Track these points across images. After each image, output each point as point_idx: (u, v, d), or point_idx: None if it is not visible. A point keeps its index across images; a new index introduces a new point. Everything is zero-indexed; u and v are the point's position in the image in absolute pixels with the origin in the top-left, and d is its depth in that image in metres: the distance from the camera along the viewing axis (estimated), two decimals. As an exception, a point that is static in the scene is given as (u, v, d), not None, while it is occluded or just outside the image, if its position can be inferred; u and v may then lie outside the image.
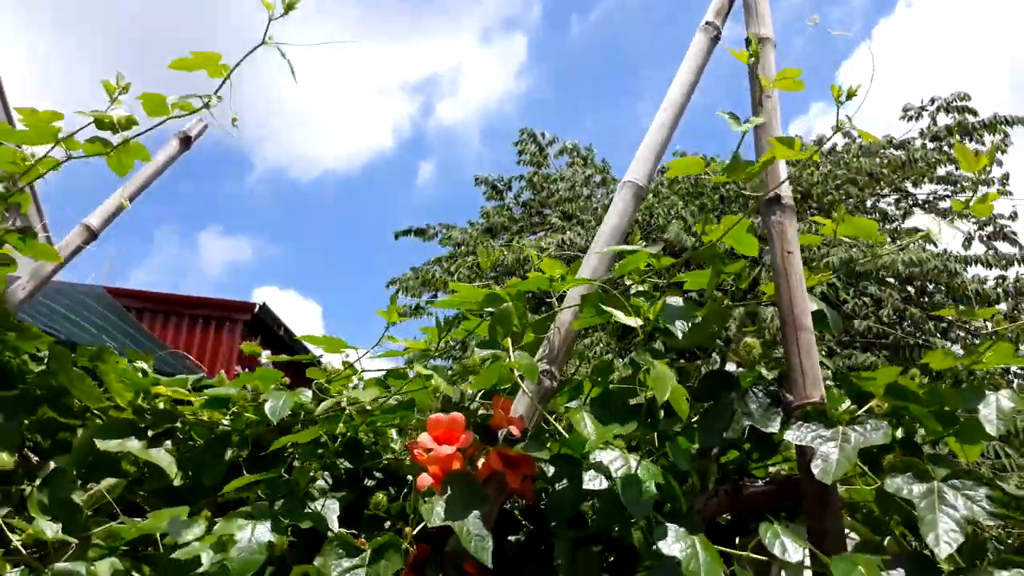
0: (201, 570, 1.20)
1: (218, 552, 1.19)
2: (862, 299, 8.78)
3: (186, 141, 2.23)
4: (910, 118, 10.09)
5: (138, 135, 1.41)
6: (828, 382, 1.38)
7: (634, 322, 1.15)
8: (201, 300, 10.23)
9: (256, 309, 10.26)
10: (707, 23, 1.55)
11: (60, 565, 1.25)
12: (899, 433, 1.37)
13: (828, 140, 1.97)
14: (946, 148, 9.84)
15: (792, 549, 0.99)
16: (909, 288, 9.41)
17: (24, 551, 1.28)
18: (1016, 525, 1.25)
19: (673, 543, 0.98)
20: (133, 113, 1.54)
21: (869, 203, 10.66)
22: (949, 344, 7.90)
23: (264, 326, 10.69)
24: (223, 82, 1.33)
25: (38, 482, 1.37)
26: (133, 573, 1.35)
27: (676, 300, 1.28)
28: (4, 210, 1.45)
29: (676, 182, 10.34)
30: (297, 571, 1.08)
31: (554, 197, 11.57)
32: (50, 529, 1.26)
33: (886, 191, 10.66)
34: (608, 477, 1.04)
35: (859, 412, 1.27)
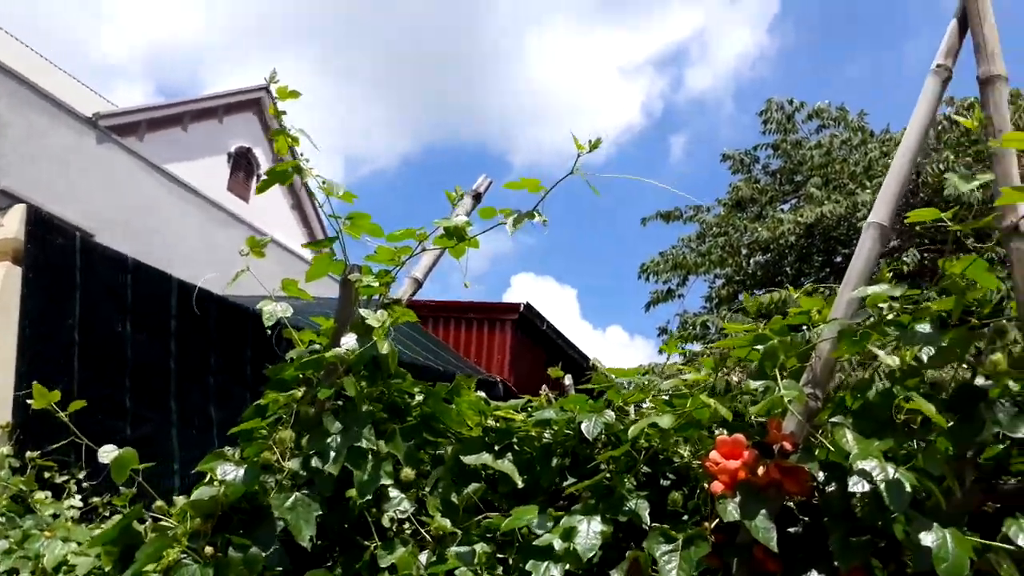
0: (554, 554, 1.63)
1: (565, 540, 1.62)
2: None
3: (477, 197, 2.75)
4: None
5: (477, 235, 1.88)
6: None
7: (893, 361, 1.40)
8: (474, 304, 11.34)
9: (521, 308, 11.17)
10: (938, 66, 1.71)
11: (455, 548, 1.75)
12: None
13: None
14: None
15: (1034, 541, 1.20)
16: None
17: (430, 539, 1.80)
18: None
19: (928, 535, 1.24)
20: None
21: None
22: None
23: (529, 323, 11.57)
24: (541, 199, 1.75)
25: (428, 488, 1.90)
26: (498, 555, 1.82)
27: (923, 327, 1.49)
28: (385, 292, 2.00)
29: (946, 131, 9.58)
30: (631, 553, 1.47)
31: (806, 164, 11.19)
32: (446, 523, 1.77)
33: None
34: (870, 482, 1.31)
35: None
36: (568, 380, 2.33)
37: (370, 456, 1.74)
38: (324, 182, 1.70)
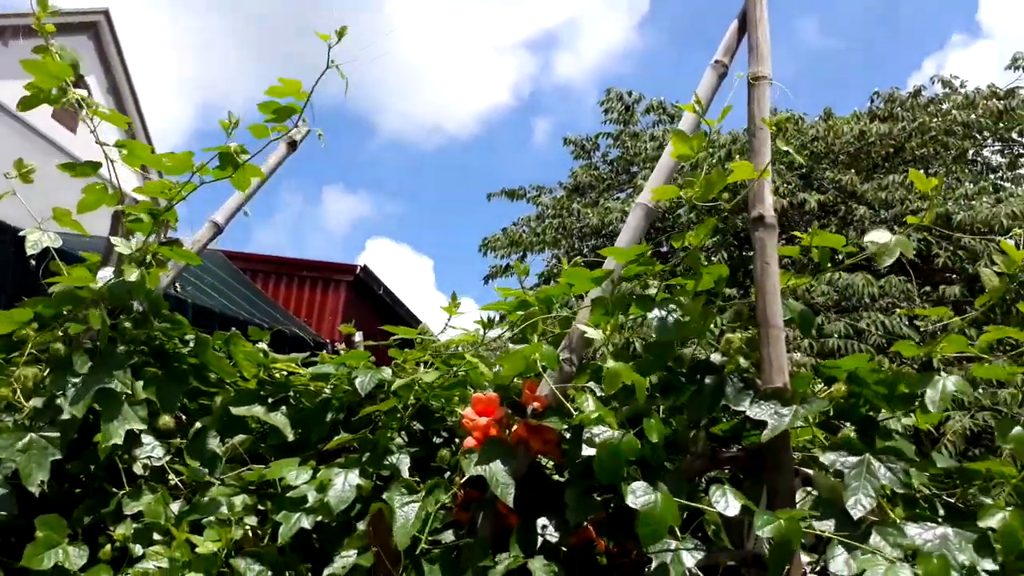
0: (307, 505, 1.62)
1: (320, 492, 1.61)
2: (957, 253, 8.65)
3: (292, 145, 2.66)
4: (1018, 67, 9.67)
5: (250, 158, 1.82)
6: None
7: (595, 334, 1.49)
8: (309, 263, 11.03)
9: (357, 271, 10.98)
10: (716, 61, 1.82)
11: (207, 499, 1.70)
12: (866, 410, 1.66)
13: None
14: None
15: (732, 505, 1.31)
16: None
17: (183, 488, 1.74)
18: (949, 488, 1.53)
19: (639, 496, 1.32)
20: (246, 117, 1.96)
21: (972, 153, 10.35)
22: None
23: (365, 286, 11.41)
24: (306, 101, 1.72)
25: (189, 437, 1.83)
26: (258, 507, 1.79)
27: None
28: (158, 228, 1.89)
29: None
30: (374, 506, 1.48)
31: (641, 155, 11.67)
32: (201, 472, 1.71)
33: (989, 140, 10.33)
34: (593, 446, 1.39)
35: (824, 393, 1.57)
36: (358, 336, 2.32)
37: (123, 400, 1.65)
38: (95, 106, 1.58)
